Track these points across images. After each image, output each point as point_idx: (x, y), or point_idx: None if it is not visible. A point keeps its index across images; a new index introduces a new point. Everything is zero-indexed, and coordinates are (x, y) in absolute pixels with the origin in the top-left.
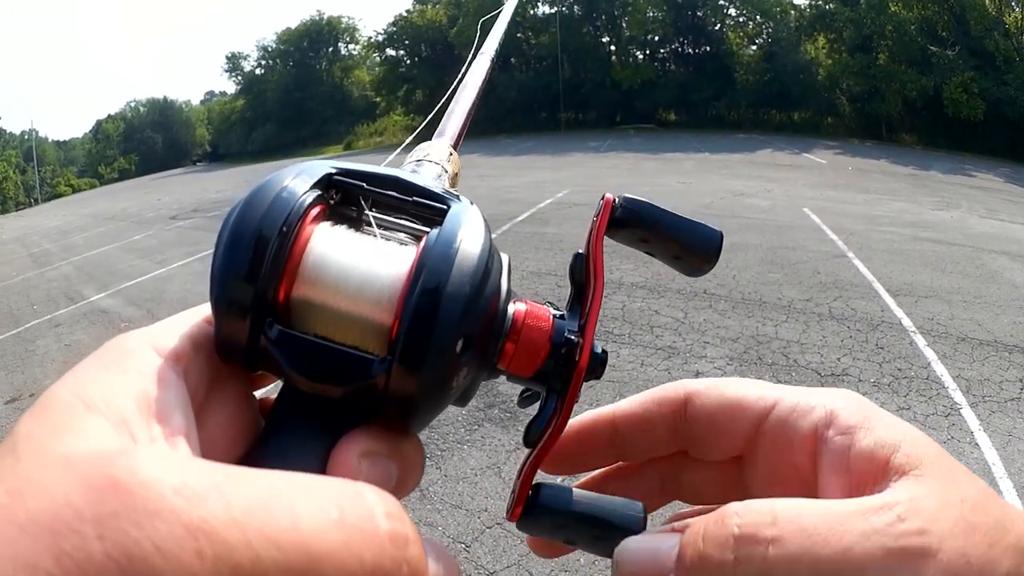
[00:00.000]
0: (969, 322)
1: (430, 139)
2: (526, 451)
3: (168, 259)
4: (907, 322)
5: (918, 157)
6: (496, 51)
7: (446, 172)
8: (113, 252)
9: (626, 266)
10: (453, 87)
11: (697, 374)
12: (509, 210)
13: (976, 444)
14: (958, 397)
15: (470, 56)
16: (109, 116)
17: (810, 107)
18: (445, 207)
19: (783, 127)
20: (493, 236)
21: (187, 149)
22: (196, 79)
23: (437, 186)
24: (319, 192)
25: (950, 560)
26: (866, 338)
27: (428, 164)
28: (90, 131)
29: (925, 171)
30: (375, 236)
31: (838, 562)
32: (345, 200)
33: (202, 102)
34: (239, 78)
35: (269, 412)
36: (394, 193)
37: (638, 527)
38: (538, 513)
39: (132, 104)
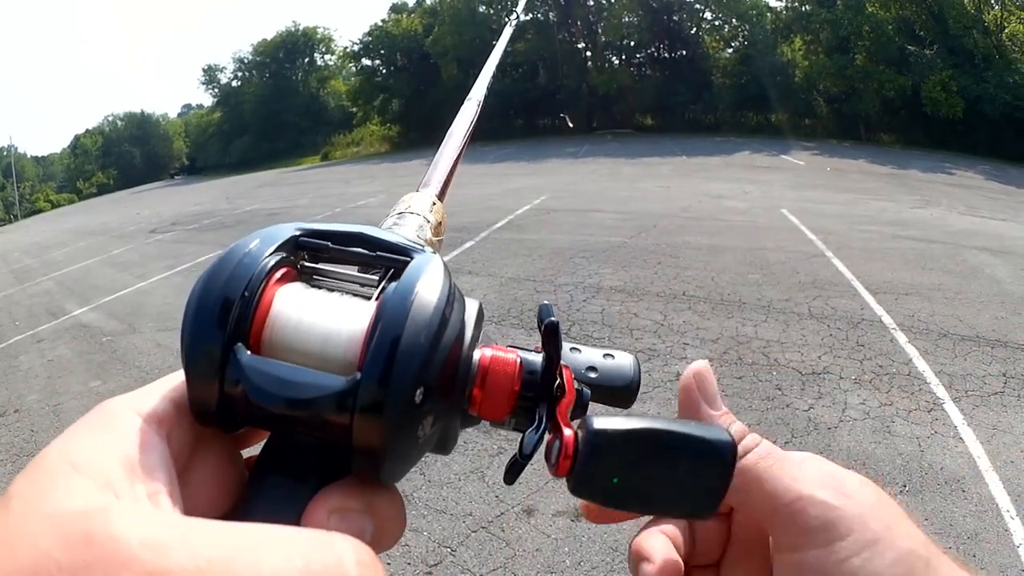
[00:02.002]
0: (950, 318)
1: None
2: (506, 455)
3: (148, 272)
4: (887, 319)
5: (897, 156)
6: (484, 95)
7: (428, 222)
8: (94, 266)
9: (604, 270)
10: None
11: (678, 376)
12: (487, 217)
13: (960, 438)
14: (941, 392)
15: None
16: (87, 131)
17: (788, 109)
18: (408, 259)
19: (761, 129)
20: (472, 243)
21: (165, 162)
22: (173, 92)
23: (403, 239)
24: (283, 255)
25: None
26: (846, 336)
27: (410, 216)
28: (68, 146)
29: (904, 170)
30: (340, 293)
31: None
32: (314, 259)
33: (179, 115)
34: (216, 90)
35: (251, 469)
36: (360, 249)
37: (730, 446)
38: (599, 451)
39: (110, 118)
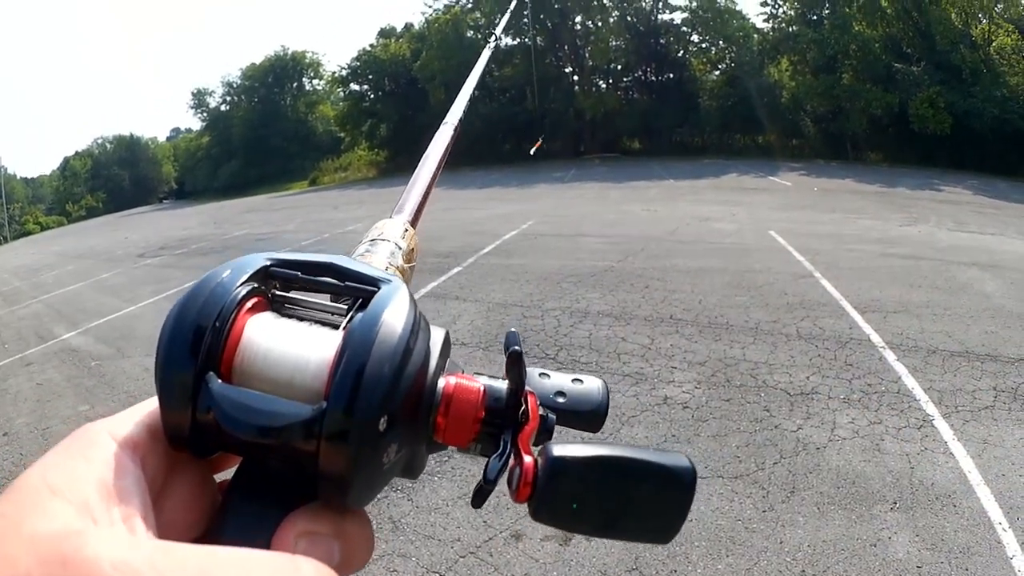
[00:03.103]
0: (939, 334)
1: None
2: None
3: (137, 297)
4: (876, 338)
5: (884, 174)
6: (460, 119)
7: (400, 249)
8: (83, 290)
9: (592, 295)
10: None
11: (666, 399)
12: (475, 242)
13: (951, 453)
14: (930, 409)
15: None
16: (77, 153)
17: (775, 130)
18: (375, 289)
19: (748, 150)
20: (459, 269)
21: (154, 186)
22: (162, 116)
23: (372, 269)
24: (254, 285)
25: None
26: (835, 356)
27: (382, 243)
28: (58, 168)
29: (892, 188)
30: (309, 323)
31: None
32: (285, 288)
33: (168, 139)
34: (204, 114)
35: (223, 492)
36: (329, 279)
37: (690, 472)
38: (557, 477)
39: (99, 141)
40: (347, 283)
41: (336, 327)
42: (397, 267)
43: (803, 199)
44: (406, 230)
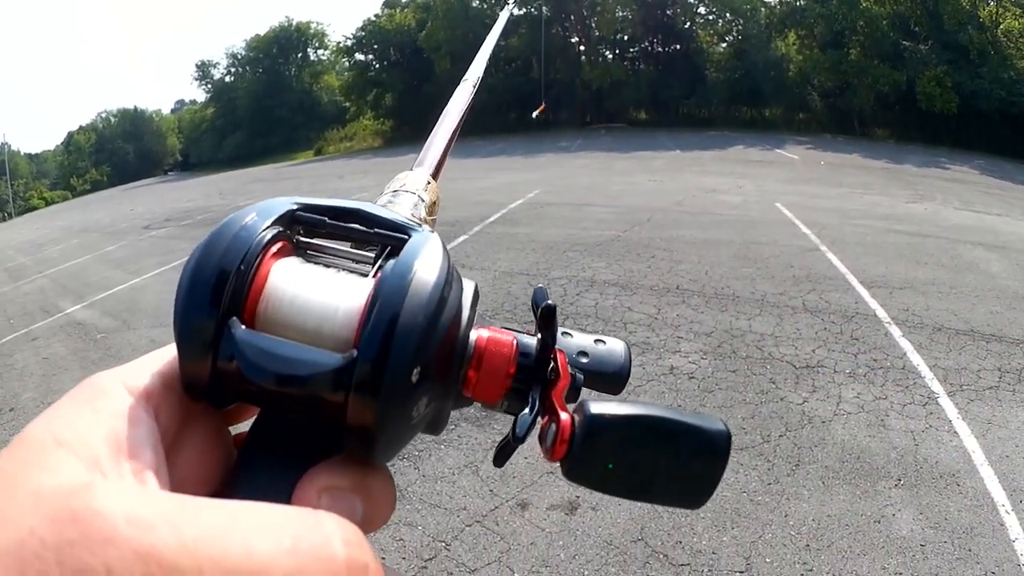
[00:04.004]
0: (945, 312)
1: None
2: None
3: (142, 269)
4: (882, 313)
5: (891, 151)
6: (479, 77)
7: (423, 201)
8: (88, 263)
9: (598, 264)
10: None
11: (672, 369)
12: (481, 212)
13: (955, 432)
14: (935, 386)
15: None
16: (80, 127)
17: (782, 103)
18: (406, 237)
19: (755, 123)
20: (465, 238)
21: (158, 159)
22: (166, 88)
23: (401, 216)
24: (280, 229)
25: None
26: (840, 330)
27: (404, 194)
28: (62, 143)
29: (899, 164)
30: (336, 269)
31: None
32: (310, 234)
33: (172, 111)
34: (209, 86)
35: (240, 446)
36: (357, 225)
37: (726, 437)
38: (596, 436)
39: (103, 115)
40: (376, 230)
41: (364, 275)
42: (420, 219)
43: (810, 173)
44: (428, 183)
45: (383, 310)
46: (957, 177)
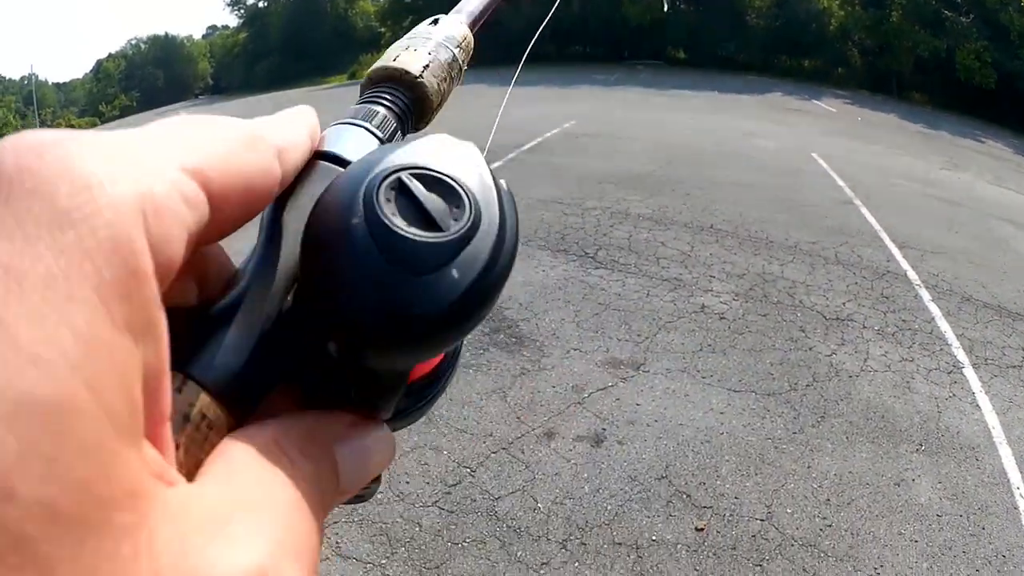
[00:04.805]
0: (973, 283)
1: None
2: (529, 376)
3: None
4: (912, 275)
5: (928, 116)
6: None
7: (451, 48)
8: None
9: (632, 198)
10: None
11: (703, 307)
12: (516, 139)
13: (977, 405)
14: (961, 356)
15: None
16: (110, 55)
17: (821, 56)
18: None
19: (792, 73)
20: (499, 164)
21: (189, 84)
22: (198, 14)
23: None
24: None
25: None
26: (871, 286)
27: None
28: (90, 71)
29: (935, 130)
30: None
31: None
32: None
33: (204, 36)
34: (241, 12)
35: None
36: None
37: None
38: None
39: (133, 42)
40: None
41: None
42: (441, 64)
43: (846, 127)
44: (464, 37)
45: None
46: (993, 152)
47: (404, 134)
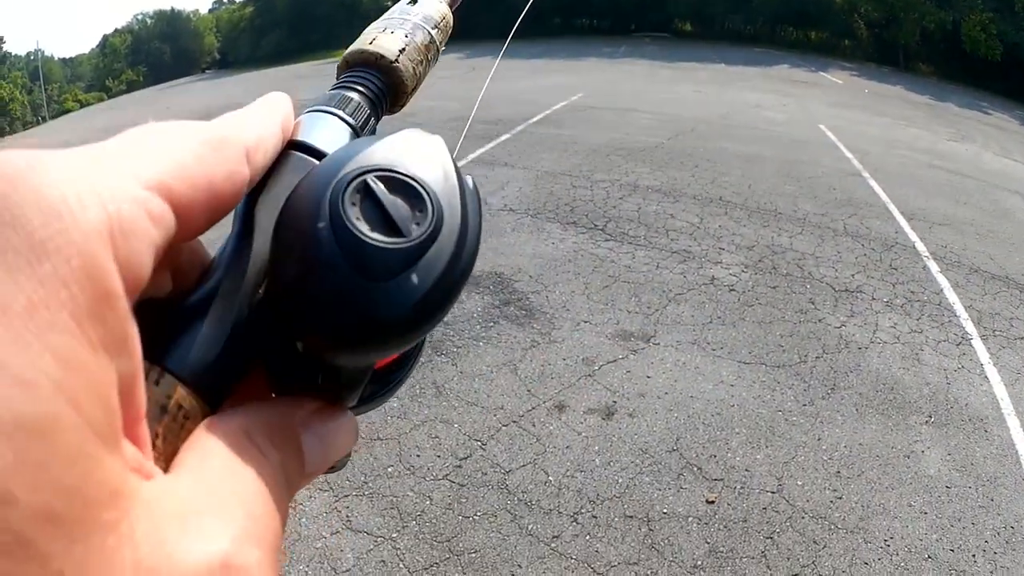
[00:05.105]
0: (982, 255)
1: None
2: (539, 349)
3: None
4: (920, 246)
5: (934, 88)
6: None
7: (434, 42)
8: None
9: (641, 170)
10: None
11: (713, 280)
12: (524, 111)
13: (985, 377)
14: (969, 328)
15: None
16: (116, 30)
17: (827, 28)
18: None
19: (799, 45)
20: (508, 136)
21: (195, 58)
22: None
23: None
24: None
25: None
26: (880, 257)
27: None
28: (97, 46)
29: (941, 102)
30: None
31: None
32: None
33: (210, 11)
34: None
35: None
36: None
37: None
38: None
39: (139, 17)
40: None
41: None
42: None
43: (853, 99)
44: (443, 16)
45: None
46: (999, 124)
47: (378, 118)
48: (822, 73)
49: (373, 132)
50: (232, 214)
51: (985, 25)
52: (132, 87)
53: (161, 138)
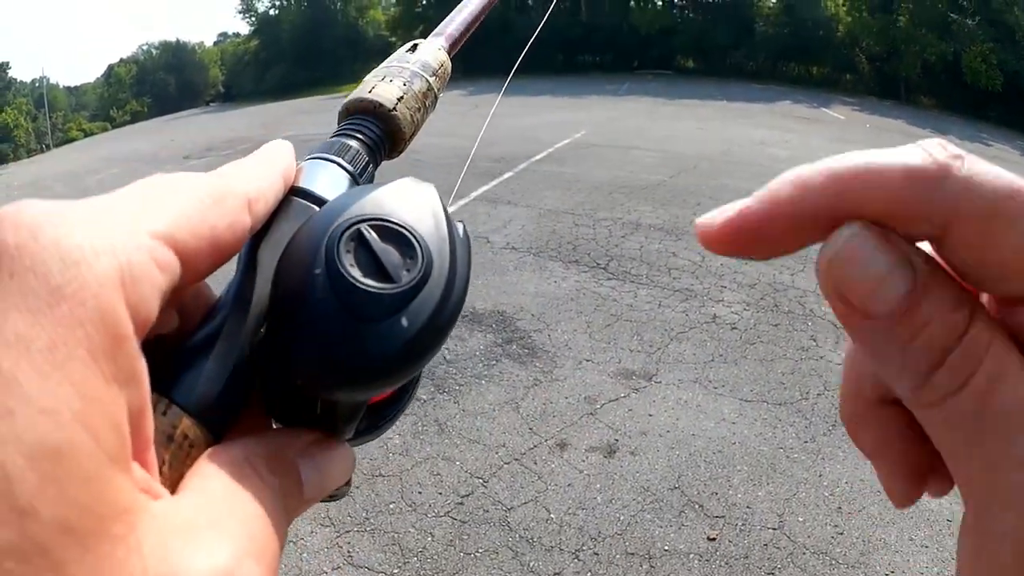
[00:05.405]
0: None
1: None
2: (541, 387)
3: None
4: None
5: (936, 120)
6: None
7: (432, 90)
8: None
9: (643, 208)
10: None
11: (715, 318)
12: (527, 148)
13: None
14: None
15: None
16: (121, 60)
17: (829, 62)
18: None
19: (801, 80)
20: (511, 175)
21: (200, 90)
22: (209, 21)
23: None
24: None
25: None
26: None
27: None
28: (102, 76)
29: (943, 134)
30: None
31: None
32: None
33: (215, 43)
34: (253, 19)
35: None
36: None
37: None
38: None
39: (144, 47)
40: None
41: None
42: (415, 94)
43: (856, 134)
44: (441, 65)
45: None
46: (1000, 156)
47: (377, 164)
48: (824, 109)
49: (371, 179)
50: (237, 257)
51: (986, 56)
52: (136, 118)
53: (168, 190)
